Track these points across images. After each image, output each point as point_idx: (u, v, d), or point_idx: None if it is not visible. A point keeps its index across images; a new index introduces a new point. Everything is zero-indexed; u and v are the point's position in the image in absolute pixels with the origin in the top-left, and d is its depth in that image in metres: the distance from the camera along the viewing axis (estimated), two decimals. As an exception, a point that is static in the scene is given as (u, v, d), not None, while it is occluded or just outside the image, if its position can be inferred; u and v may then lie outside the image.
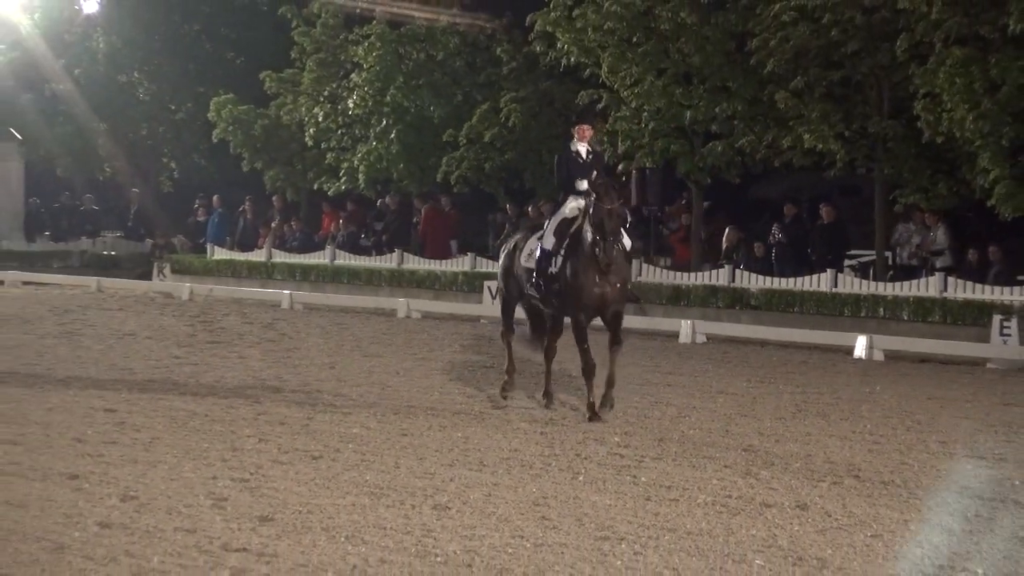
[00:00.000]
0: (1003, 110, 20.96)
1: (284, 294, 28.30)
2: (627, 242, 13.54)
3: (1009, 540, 8.55)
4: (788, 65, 23.73)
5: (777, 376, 17.36)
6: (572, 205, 13.60)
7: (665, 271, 25.76)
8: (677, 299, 24.22)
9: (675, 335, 22.02)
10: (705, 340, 21.86)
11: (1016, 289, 21.06)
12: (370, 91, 30.89)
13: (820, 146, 23.32)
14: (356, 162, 31.20)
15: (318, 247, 32.08)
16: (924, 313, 21.34)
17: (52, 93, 37.86)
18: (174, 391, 14.65)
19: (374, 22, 31.55)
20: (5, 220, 38.08)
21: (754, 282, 23.92)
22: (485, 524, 8.68)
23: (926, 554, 8.14)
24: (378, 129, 30.91)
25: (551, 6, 26.56)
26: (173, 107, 38.81)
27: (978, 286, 21.51)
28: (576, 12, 26.07)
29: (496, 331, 17.31)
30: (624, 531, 8.54)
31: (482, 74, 31.30)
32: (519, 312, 14.79)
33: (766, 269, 24.64)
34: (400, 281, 28.65)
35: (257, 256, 32.69)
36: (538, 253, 13.68)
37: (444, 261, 28.82)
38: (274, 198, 35.14)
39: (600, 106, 26.22)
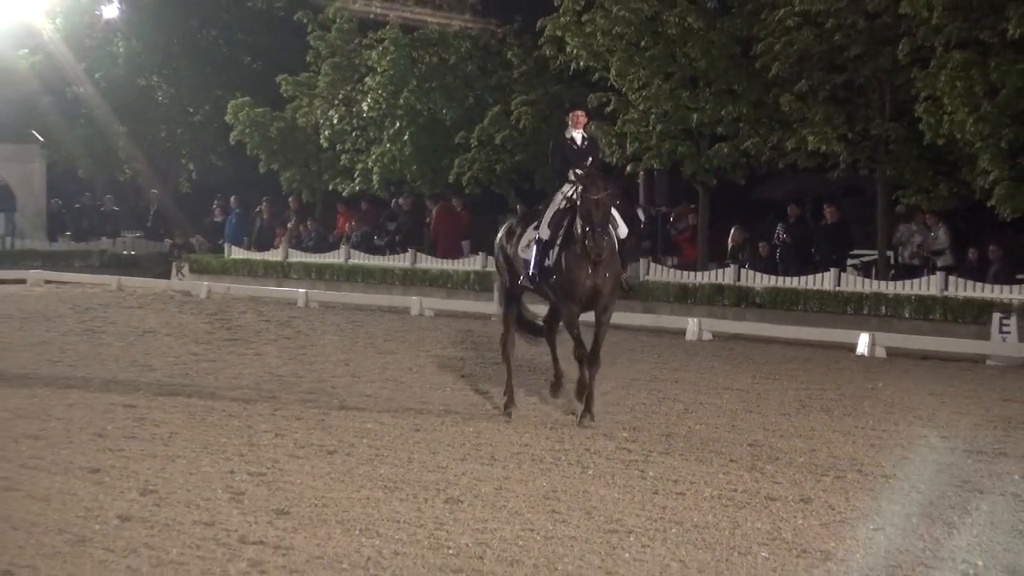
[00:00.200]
0: (1002, 113, 21.12)
1: (300, 293, 28.21)
2: (622, 230, 13.39)
3: (1009, 533, 8.62)
4: (792, 69, 23.92)
5: (781, 373, 17.41)
6: (565, 193, 13.27)
7: (672, 270, 25.84)
8: (684, 297, 24.28)
9: (682, 333, 21.98)
10: (711, 337, 21.83)
11: (1015, 288, 21.12)
12: (384, 94, 31.02)
13: (824, 148, 23.44)
14: (370, 164, 31.32)
15: (333, 247, 32.09)
16: (925, 311, 21.41)
17: (73, 96, 37.78)
18: (193, 387, 14.69)
19: (388, 27, 31.62)
20: (28, 220, 37.82)
21: (759, 281, 23.99)
22: (496, 517, 8.76)
23: (927, 547, 8.21)
24: (392, 131, 31.03)
25: (561, 11, 26.71)
26: (191, 110, 38.75)
27: (978, 285, 21.58)
28: (585, 17, 26.24)
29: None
30: (632, 524, 8.62)
31: (493, 77, 31.42)
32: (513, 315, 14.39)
33: (771, 268, 24.69)
34: (413, 280, 28.66)
35: (273, 255, 32.69)
36: (535, 245, 13.39)
37: (456, 260, 28.82)
38: (290, 199, 35.15)
39: (608, 109, 26.42)
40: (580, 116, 13.68)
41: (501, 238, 14.43)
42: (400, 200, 32.28)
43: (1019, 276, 22.45)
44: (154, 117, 38.81)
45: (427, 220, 31.51)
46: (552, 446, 11.49)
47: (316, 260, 31.65)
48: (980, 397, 15.45)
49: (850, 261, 25.62)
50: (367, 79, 31.87)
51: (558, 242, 13.09)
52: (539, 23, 27.44)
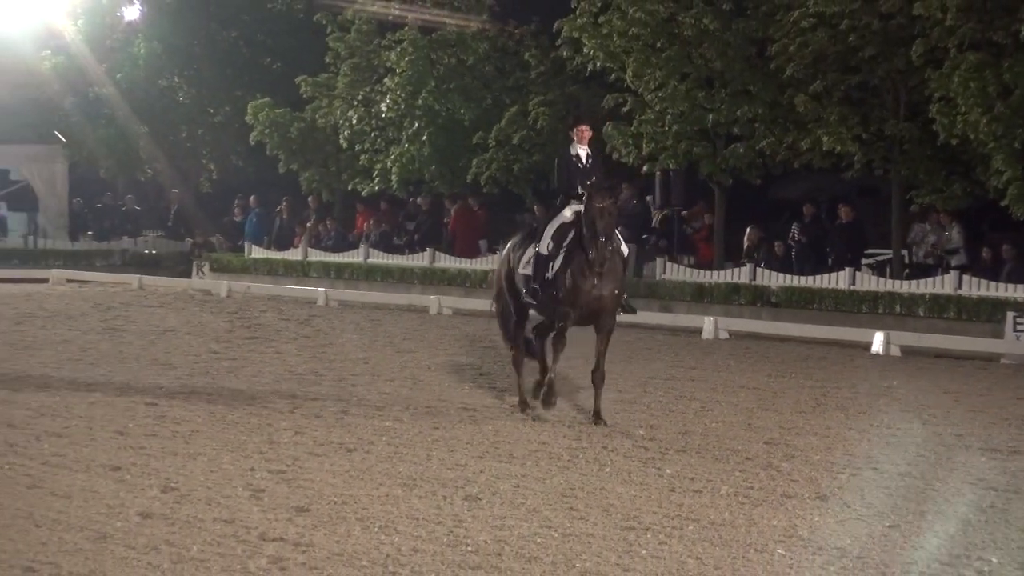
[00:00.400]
0: (1016, 113, 21.21)
1: (319, 291, 28.30)
2: (624, 248, 13.18)
3: (1023, 530, 8.62)
4: (807, 70, 24.03)
5: (797, 371, 17.45)
6: (572, 210, 13.06)
7: (689, 269, 25.95)
8: (700, 296, 24.42)
9: (698, 331, 22.07)
10: (727, 336, 21.93)
11: (1030, 286, 21.19)
12: (402, 95, 31.15)
13: (838, 148, 23.56)
14: (389, 164, 31.44)
15: (352, 246, 32.21)
16: (939, 310, 21.52)
17: (95, 97, 37.89)
18: (213, 385, 14.67)
19: (406, 28, 31.79)
20: (50, 220, 38.05)
21: (775, 280, 24.12)
22: (514, 514, 8.75)
23: (942, 544, 8.22)
24: (410, 132, 31.14)
25: (578, 12, 26.86)
26: (212, 110, 38.80)
27: (992, 284, 21.68)
28: (602, 18, 26.35)
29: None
30: (649, 521, 8.62)
31: (511, 78, 31.54)
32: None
33: (786, 267, 24.80)
34: (432, 279, 28.74)
35: (293, 255, 32.82)
36: (535, 260, 13.12)
37: (474, 260, 28.92)
38: (310, 198, 35.29)
39: (625, 109, 26.55)
40: (585, 131, 13.44)
41: (504, 259, 14.17)
42: (419, 200, 32.37)
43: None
44: (175, 118, 38.88)
45: (445, 220, 31.60)
46: (570, 444, 11.51)
47: (335, 259, 31.76)
48: (994, 395, 15.48)
49: (865, 260, 25.65)
50: (386, 80, 31.99)
51: (561, 255, 12.84)
52: (556, 24, 27.55)
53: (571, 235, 12.87)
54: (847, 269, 23.36)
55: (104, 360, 16.88)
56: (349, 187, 33.78)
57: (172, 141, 39.24)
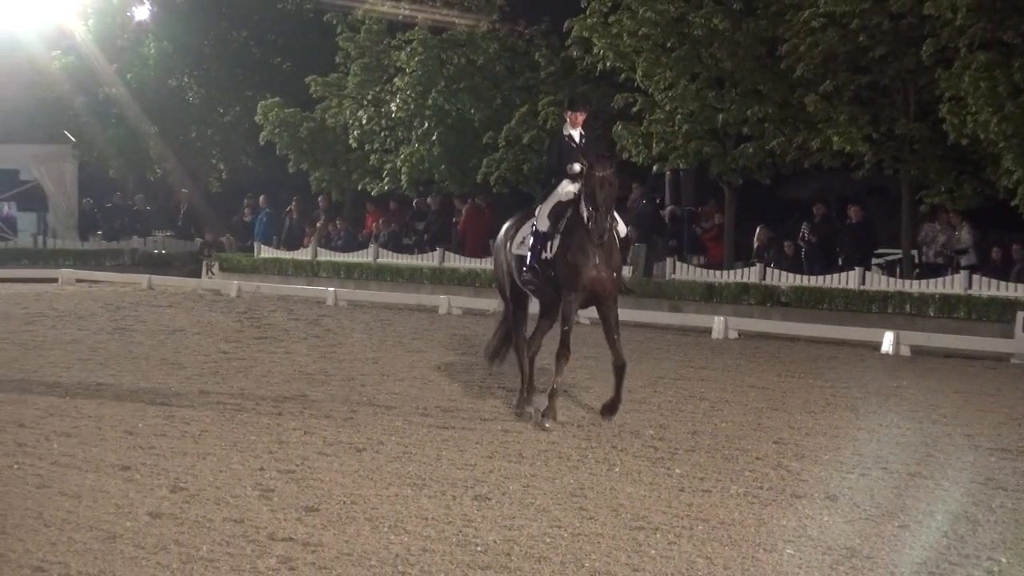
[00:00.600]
0: (1026, 113, 21.16)
1: (329, 291, 28.28)
2: (622, 228, 12.95)
3: None
4: (817, 69, 24.00)
5: (807, 371, 17.44)
6: (568, 188, 12.80)
7: (698, 269, 25.97)
8: (710, 296, 24.37)
9: (708, 331, 22.06)
10: (737, 336, 21.92)
11: (1039, 286, 21.14)
12: (412, 95, 31.17)
13: (848, 148, 23.54)
14: (399, 163, 31.43)
15: (362, 246, 32.21)
16: (949, 310, 21.47)
17: (105, 96, 37.97)
18: (223, 385, 14.70)
19: (416, 28, 31.81)
20: (60, 219, 38.13)
21: (784, 280, 24.09)
22: (524, 514, 8.77)
23: (952, 544, 8.23)
24: (420, 131, 31.14)
25: (588, 12, 26.87)
26: (222, 110, 38.89)
27: (1002, 283, 21.68)
28: (612, 18, 26.37)
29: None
30: (659, 521, 8.65)
31: (521, 78, 31.52)
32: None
33: (796, 267, 24.79)
34: (441, 279, 28.72)
35: (303, 254, 32.84)
36: (531, 239, 12.87)
37: (484, 259, 28.46)
38: (319, 198, 35.35)
39: (635, 109, 26.55)
40: (578, 116, 13.24)
41: (499, 241, 13.88)
42: (428, 200, 32.39)
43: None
44: (185, 117, 38.96)
45: (455, 220, 31.63)
46: (579, 444, 11.51)
47: (345, 259, 31.78)
48: (1004, 395, 15.48)
49: (875, 260, 25.69)
50: (396, 80, 32.01)
51: (558, 233, 12.59)
52: (566, 24, 27.58)
53: (569, 212, 12.62)
54: (857, 269, 23.34)
55: (113, 360, 16.91)
56: (359, 187, 33.82)
57: (182, 141, 39.33)
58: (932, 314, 21.70)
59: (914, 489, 9.86)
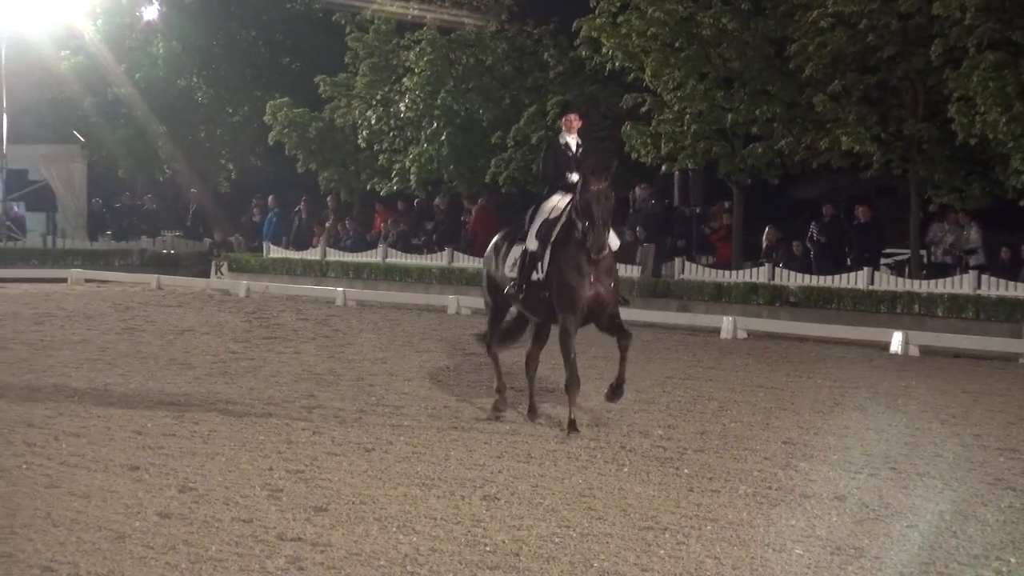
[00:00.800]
0: (1035, 113, 21.09)
1: (338, 291, 28.32)
2: (615, 242, 12.31)
3: None
4: (826, 69, 23.93)
5: (815, 371, 17.43)
6: (553, 203, 12.37)
7: (707, 269, 25.97)
8: (719, 296, 24.37)
9: (716, 331, 22.03)
10: (746, 336, 21.91)
11: (1049, 287, 21.08)
12: (421, 95, 31.18)
13: (857, 148, 23.44)
14: (408, 163, 31.43)
15: (371, 246, 32.19)
16: (958, 310, 21.42)
17: (114, 96, 38.08)
18: (231, 385, 14.74)
19: (425, 28, 31.78)
20: (69, 219, 38.25)
21: (793, 280, 24.07)
22: (533, 514, 8.80)
23: (961, 544, 8.23)
24: (429, 131, 31.16)
25: (596, 12, 26.82)
26: (230, 110, 38.91)
27: (1011, 284, 21.61)
28: (621, 18, 26.31)
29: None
30: (667, 521, 8.67)
31: (529, 78, 31.43)
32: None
33: (805, 267, 24.75)
34: (450, 279, 28.71)
35: (312, 254, 32.83)
36: (521, 258, 12.45)
37: None
38: (328, 198, 35.35)
39: (644, 109, 26.50)
40: (574, 120, 12.83)
41: (488, 258, 13.47)
42: (437, 200, 32.42)
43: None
44: (193, 117, 39.02)
45: (463, 219, 31.65)
46: (588, 444, 11.52)
47: (354, 259, 31.80)
48: (1013, 395, 15.44)
49: (883, 260, 25.67)
50: (404, 80, 32.01)
51: (547, 254, 12.07)
52: (575, 24, 27.51)
53: (557, 230, 12.13)
54: (865, 269, 23.32)
55: (122, 360, 16.94)
56: (368, 187, 33.82)
57: (191, 141, 39.39)
58: (941, 314, 21.65)
59: (923, 489, 9.85)
